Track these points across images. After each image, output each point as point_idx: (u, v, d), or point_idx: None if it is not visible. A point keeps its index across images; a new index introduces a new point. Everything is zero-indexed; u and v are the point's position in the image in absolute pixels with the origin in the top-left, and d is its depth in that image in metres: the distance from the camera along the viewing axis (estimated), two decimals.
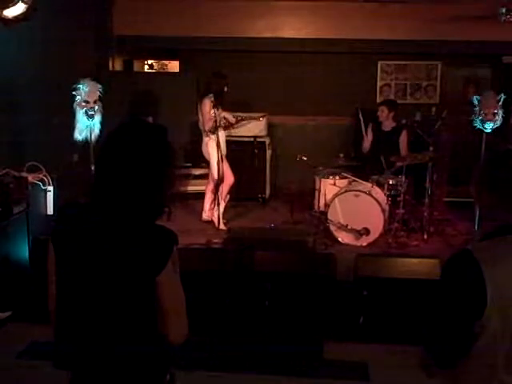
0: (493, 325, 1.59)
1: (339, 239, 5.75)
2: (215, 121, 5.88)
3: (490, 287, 1.58)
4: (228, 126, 6.33)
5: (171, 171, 1.87)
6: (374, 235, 5.65)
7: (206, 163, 6.48)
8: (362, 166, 6.65)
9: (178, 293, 1.82)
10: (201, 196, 6.59)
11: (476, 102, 5.90)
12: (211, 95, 5.94)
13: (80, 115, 5.46)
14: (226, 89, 6.08)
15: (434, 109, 8.13)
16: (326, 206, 5.91)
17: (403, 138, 6.52)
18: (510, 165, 1.70)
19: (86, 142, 5.51)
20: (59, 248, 1.84)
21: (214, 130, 5.93)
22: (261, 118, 7.33)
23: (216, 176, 6.11)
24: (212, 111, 5.87)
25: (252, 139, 7.49)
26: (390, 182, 5.97)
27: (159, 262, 1.74)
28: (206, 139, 6.11)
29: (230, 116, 6.35)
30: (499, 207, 1.71)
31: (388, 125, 6.63)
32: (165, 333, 1.81)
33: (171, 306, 1.79)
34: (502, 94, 5.86)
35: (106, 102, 5.63)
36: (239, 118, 6.65)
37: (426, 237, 5.81)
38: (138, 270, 1.75)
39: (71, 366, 1.87)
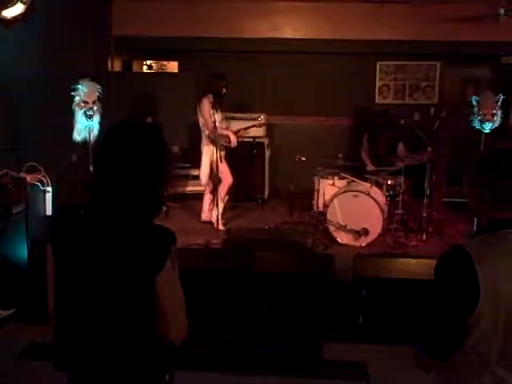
0: (485, 319, 1.61)
1: (338, 239, 5.75)
2: (214, 124, 5.86)
3: (483, 282, 1.59)
4: (228, 144, 6.24)
5: (167, 169, 1.88)
6: (372, 235, 5.65)
7: None
8: (360, 167, 6.68)
9: (177, 292, 1.82)
10: (200, 196, 6.58)
11: (475, 103, 5.91)
12: (210, 95, 5.94)
13: (79, 116, 5.46)
14: (224, 90, 6.07)
15: (432, 109, 8.13)
16: (325, 206, 5.91)
17: (400, 149, 6.56)
18: (500, 163, 1.72)
19: (84, 143, 5.51)
20: (57, 249, 1.85)
21: (214, 139, 5.91)
22: (260, 118, 7.33)
23: (204, 179, 6.14)
24: (211, 111, 5.87)
25: (251, 139, 7.49)
26: (389, 183, 5.98)
27: (158, 261, 1.75)
28: (204, 140, 6.12)
29: (230, 133, 6.22)
30: (490, 204, 1.72)
31: None
32: (164, 333, 1.81)
33: (170, 305, 1.79)
34: (501, 95, 5.86)
35: (105, 103, 5.63)
36: (239, 130, 6.58)
37: (424, 237, 5.81)
38: (136, 269, 1.75)
39: (70, 367, 1.88)
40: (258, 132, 7.48)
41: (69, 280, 1.83)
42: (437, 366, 1.77)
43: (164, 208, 1.88)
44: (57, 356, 1.88)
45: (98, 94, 5.48)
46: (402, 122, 6.69)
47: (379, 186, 6.00)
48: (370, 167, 6.69)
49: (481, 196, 1.76)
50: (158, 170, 1.84)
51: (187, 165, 7.39)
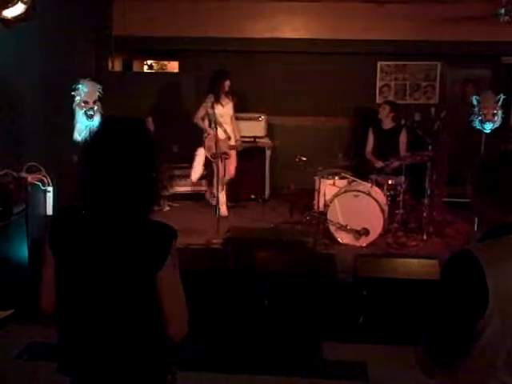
0: (493, 325, 1.59)
1: (339, 239, 5.75)
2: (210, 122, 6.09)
3: (491, 287, 1.58)
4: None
5: (155, 161, 1.85)
6: (373, 235, 5.65)
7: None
8: (361, 166, 6.68)
9: (177, 288, 1.83)
10: (199, 196, 6.59)
11: (475, 103, 5.91)
12: (211, 96, 5.98)
13: (79, 115, 5.46)
14: (227, 88, 6.22)
15: (433, 109, 8.11)
16: (326, 206, 5.91)
17: (403, 137, 6.63)
18: (505, 166, 1.71)
19: (85, 143, 5.50)
20: (57, 250, 1.84)
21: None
22: (260, 118, 7.34)
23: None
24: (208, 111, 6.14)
25: (252, 139, 7.48)
26: (390, 182, 5.98)
27: (159, 257, 1.75)
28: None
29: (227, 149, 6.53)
30: (495, 208, 1.71)
31: (388, 123, 6.76)
32: (165, 329, 1.81)
33: (171, 301, 1.80)
34: (502, 95, 5.86)
35: (106, 103, 5.63)
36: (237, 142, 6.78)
37: (425, 237, 5.81)
38: (138, 266, 1.75)
39: (74, 370, 1.87)
40: (259, 131, 7.49)
41: (70, 280, 1.83)
42: (440, 372, 1.75)
43: (166, 208, 1.88)
44: (61, 360, 1.88)
45: (98, 93, 5.48)
46: (403, 122, 6.71)
47: (380, 185, 6.00)
48: (378, 164, 6.64)
49: (483, 198, 1.75)
50: (145, 163, 1.82)
51: (186, 164, 7.39)
